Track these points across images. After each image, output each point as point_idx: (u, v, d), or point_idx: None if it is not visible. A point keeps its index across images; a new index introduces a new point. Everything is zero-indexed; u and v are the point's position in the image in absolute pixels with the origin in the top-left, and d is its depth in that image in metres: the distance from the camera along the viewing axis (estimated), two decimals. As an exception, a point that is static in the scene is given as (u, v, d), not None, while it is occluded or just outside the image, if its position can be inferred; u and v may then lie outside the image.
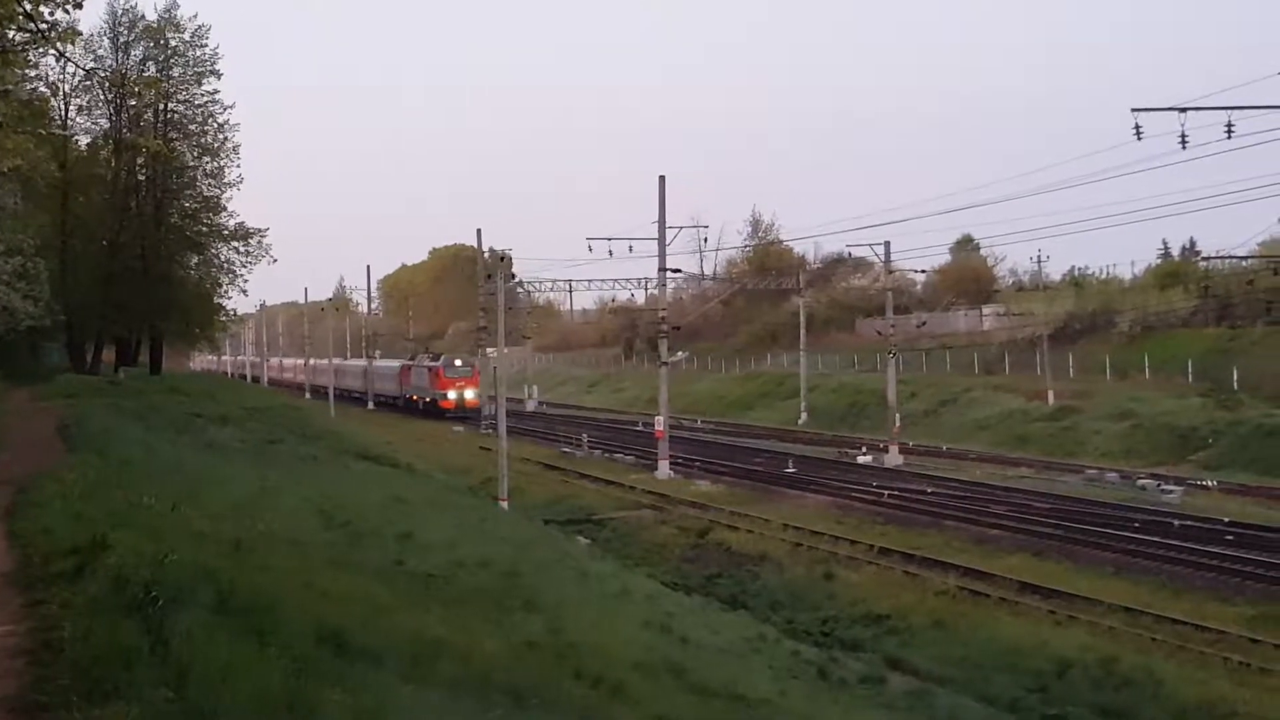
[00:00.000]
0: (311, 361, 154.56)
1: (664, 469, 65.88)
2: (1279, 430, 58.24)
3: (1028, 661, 30.12)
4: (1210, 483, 55.21)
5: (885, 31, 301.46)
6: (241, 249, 74.09)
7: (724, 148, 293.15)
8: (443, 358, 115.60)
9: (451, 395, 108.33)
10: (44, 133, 59.30)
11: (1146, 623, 32.39)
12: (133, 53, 70.74)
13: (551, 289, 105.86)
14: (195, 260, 76.27)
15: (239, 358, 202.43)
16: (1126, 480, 57.25)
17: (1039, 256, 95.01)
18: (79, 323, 69.56)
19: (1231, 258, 47.83)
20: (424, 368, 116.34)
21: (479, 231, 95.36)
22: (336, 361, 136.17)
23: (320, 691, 9.64)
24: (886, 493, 54.36)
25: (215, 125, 72.33)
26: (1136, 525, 44.71)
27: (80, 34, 32.18)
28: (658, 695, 16.12)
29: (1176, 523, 44.49)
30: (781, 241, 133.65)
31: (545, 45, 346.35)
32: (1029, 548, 42.62)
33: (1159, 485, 53.91)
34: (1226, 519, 44.88)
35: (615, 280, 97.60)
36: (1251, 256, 44.09)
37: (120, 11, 70.10)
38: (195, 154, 73.18)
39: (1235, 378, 71.69)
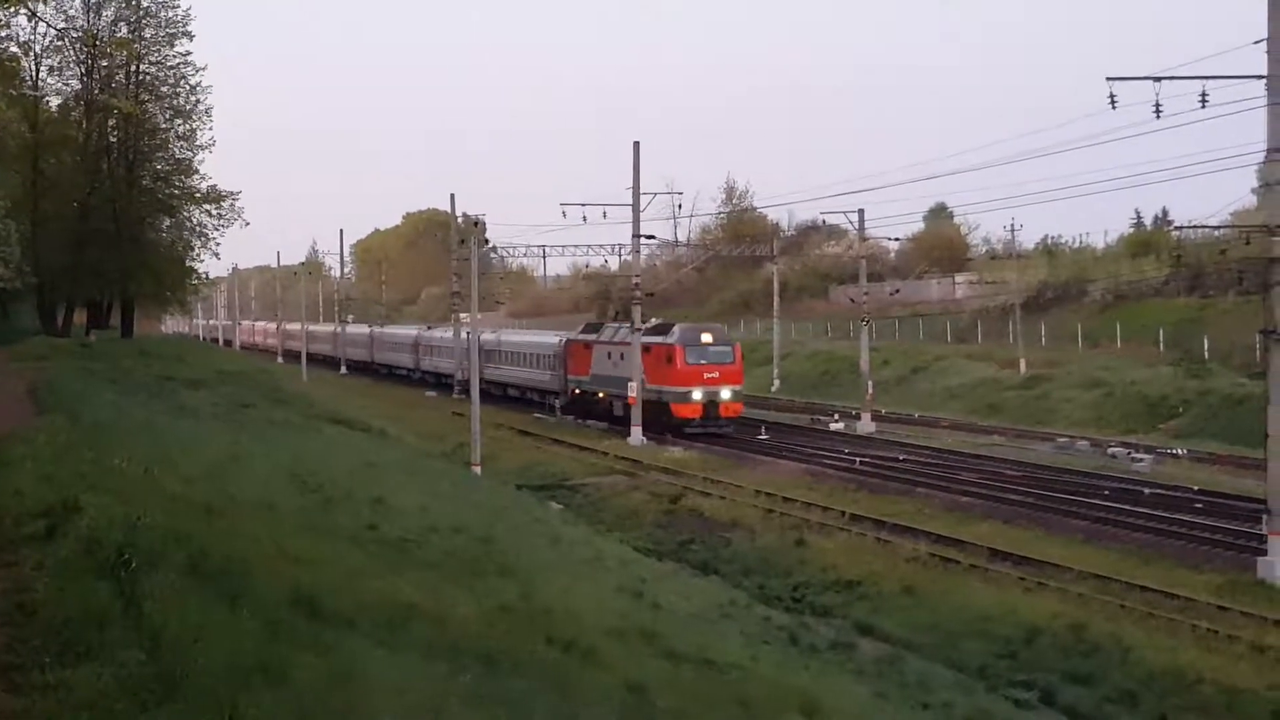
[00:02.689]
0: (311, 327, 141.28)
1: (637, 435, 65.90)
2: (1248, 400, 58.36)
3: (997, 628, 30.28)
4: (1180, 451, 55.47)
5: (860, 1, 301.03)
6: (213, 212, 73.84)
7: (699, 114, 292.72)
8: (678, 329, 70.22)
9: (697, 396, 65.91)
10: (14, 93, 59.02)
11: (1115, 590, 32.55)
12: (104, 13, 70.24)
13: (525, 254, 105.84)
14: (167, 223, 75.96)
15: (211, 321, 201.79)
16: (1097, 448, 57.47)
17: (1012, 225, 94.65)
18: (50, 285, 69.15)
19: (1204, 227, 48.01)
20: (632, 344, 68.27)
21: (452, 196, 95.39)
22: (378, 330, 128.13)
23: (292, 655, 9.66)
24: (859, 460, 54.50)
25: (187, 87, 71.96)
26: (1107, 493, 44.96)
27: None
28: (629, 660, 16.17)
29: (1146, 491, 44.74)
30: (755, 209, 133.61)
31: (520, 7, 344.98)
32: (1000, 515, 42.78)
33: (1129, 454, 54.16)
34: (1195, 487, 45.15)
35: (589, 246, 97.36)
36: (1224, 226, 44.24)
37: (92, -29, 69.61)
38: (167, 116, 72.81)
39: (1206, 347, 71.97)
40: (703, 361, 66.92)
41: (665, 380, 67.20)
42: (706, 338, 68.44)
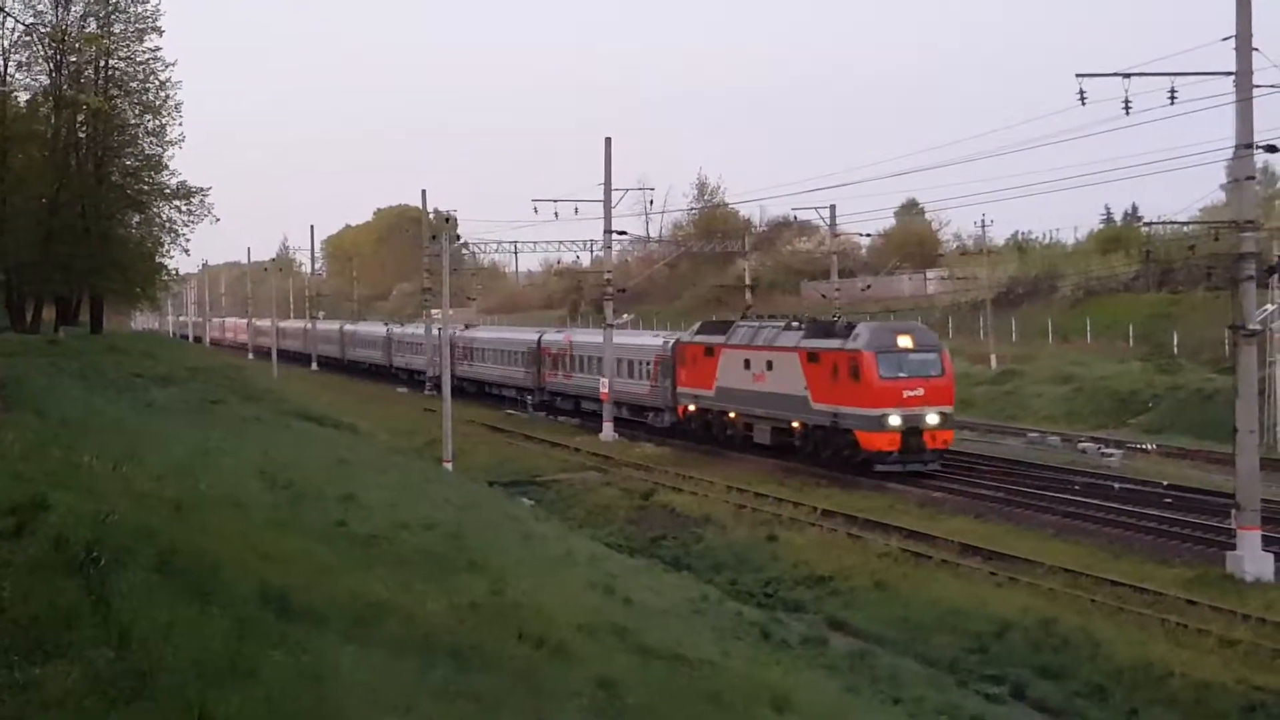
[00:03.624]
0: (282, 323, 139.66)
1: (608, 431, 65.95)
2: (1217, 394, 58.62)
3: (968, 623, 30.37)
4: (1150, 446, 55.72)
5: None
6: (183, 208, 73.36)
7: (671, 111, 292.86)
8: (864, 329, 53.06)
9: (895, 421, 49.40)
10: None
11: (1086, 584, 32.69)
12: (73, 8, 69.69)
13: (497, 250, 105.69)
14: (137, 219, 75.52)
15: (181, 318, 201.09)
16: (1067, 443, 57.67)
17: (983, 221, 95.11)
18: (18, 281, 68.76)
19: (1173, 223, 47.96)
20: (806, 347, 53.69)
21: (424, 192, 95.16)
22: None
23: (262, 652, 9.65)
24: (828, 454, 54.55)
25: (157, 83, 71.46)
26: (1077, 488, 45.15)
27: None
28: (601, 656, 16.17)
29: (1116, 485, 44.95)
30: (727, 205, 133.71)
31: (491, 4, 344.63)
32: (970, 510, 42.91)
33: (1099, 448, 54.36)
34: (1165, 482, 45.38)
35: (561, 242, 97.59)
36: (1193, 222, 44.31)
37: (60, -34, 69.22)
38: (136, 112, 72.34)
39: (1175, 342, 72.35)
40: (901, 374, 49.78)
41: (845, 399, 50.24)
42: (905, 341, 51.07)
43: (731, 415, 59.19)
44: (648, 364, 68.29)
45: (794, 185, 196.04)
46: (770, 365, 55.34)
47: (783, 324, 57.46)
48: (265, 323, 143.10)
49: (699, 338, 63.56)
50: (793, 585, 35.50)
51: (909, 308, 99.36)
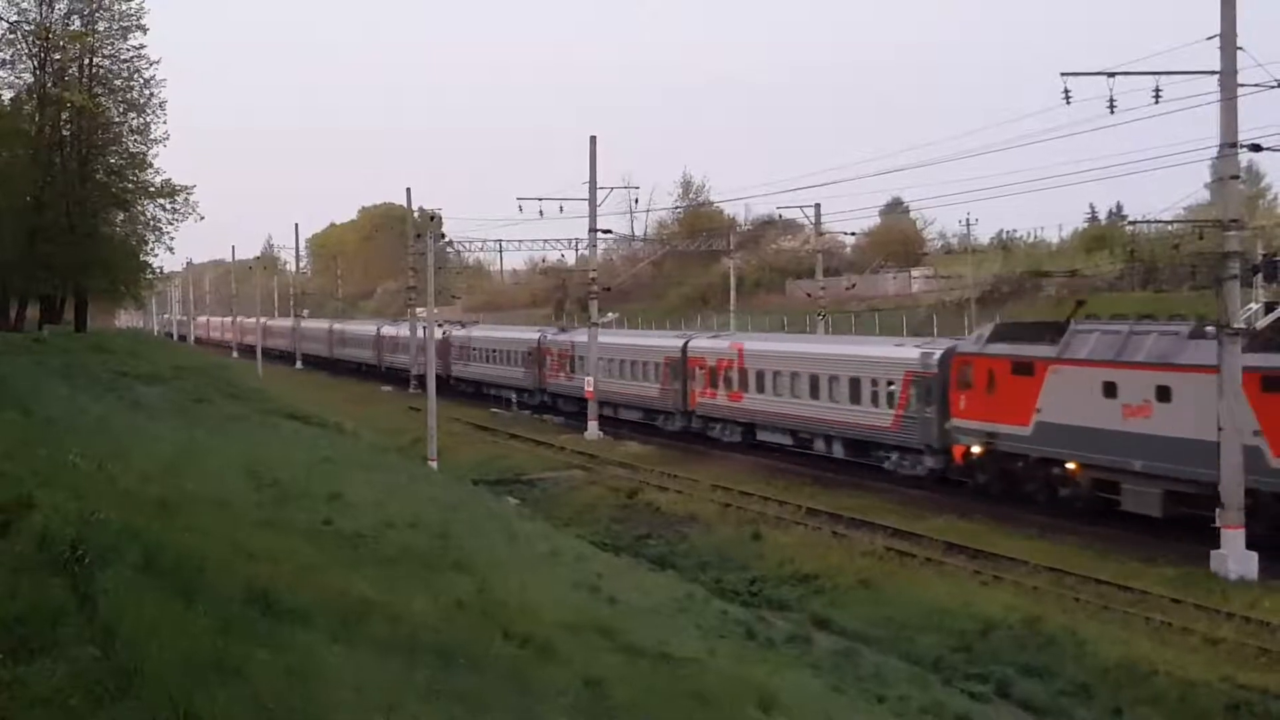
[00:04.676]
0: (268, 321, 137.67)
1: (593, 429, 65.97)
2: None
3: (952, 621, 30.44)
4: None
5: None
6: (168, 206, 73.20)
7: (656, 110, 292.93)
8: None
9: None
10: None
11: (1071, 583, 32.79)
12: (57, 6, 69.49)
13: (482, 249, 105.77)
14: (121, 217, 75.33)
15: (166, 316, 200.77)
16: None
17: (968, 219, 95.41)
18: (2, 280, 68.65)
19: (1157, 222, 48.07)
20: (1258, 369, 34.67)
21: (408, 191, 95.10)
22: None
23: (247, 651, 9.63)
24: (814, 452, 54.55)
25: (141, 81, 71.31)
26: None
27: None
28: (586, 655, 16.16)
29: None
30: (712, 203, 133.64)
31: (476, 3, 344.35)
32: (955, 508, 42.93)
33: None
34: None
35: (546, 241, 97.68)
36: (1177, 221, 44.40)
37: (45, -36, 69.07)
38: (121, 110, 72.19)
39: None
40: None
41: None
42: None
43: (1070, 467, 41.22)
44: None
45: (779, 184, 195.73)
46: (1166, 393, 37.62)
47: (1182, 328, 38.96)
48: (250, 321, 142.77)
49: (999, 348, 44.51)
50: (778, 584, 35.56)
51: (893, 306, 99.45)
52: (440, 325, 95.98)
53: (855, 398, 51.63)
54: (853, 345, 59.40)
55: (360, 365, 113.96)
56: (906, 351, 50.89)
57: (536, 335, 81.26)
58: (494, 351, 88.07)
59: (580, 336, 75.97)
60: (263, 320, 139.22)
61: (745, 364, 59.91)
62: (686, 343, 66.48)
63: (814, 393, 54.22)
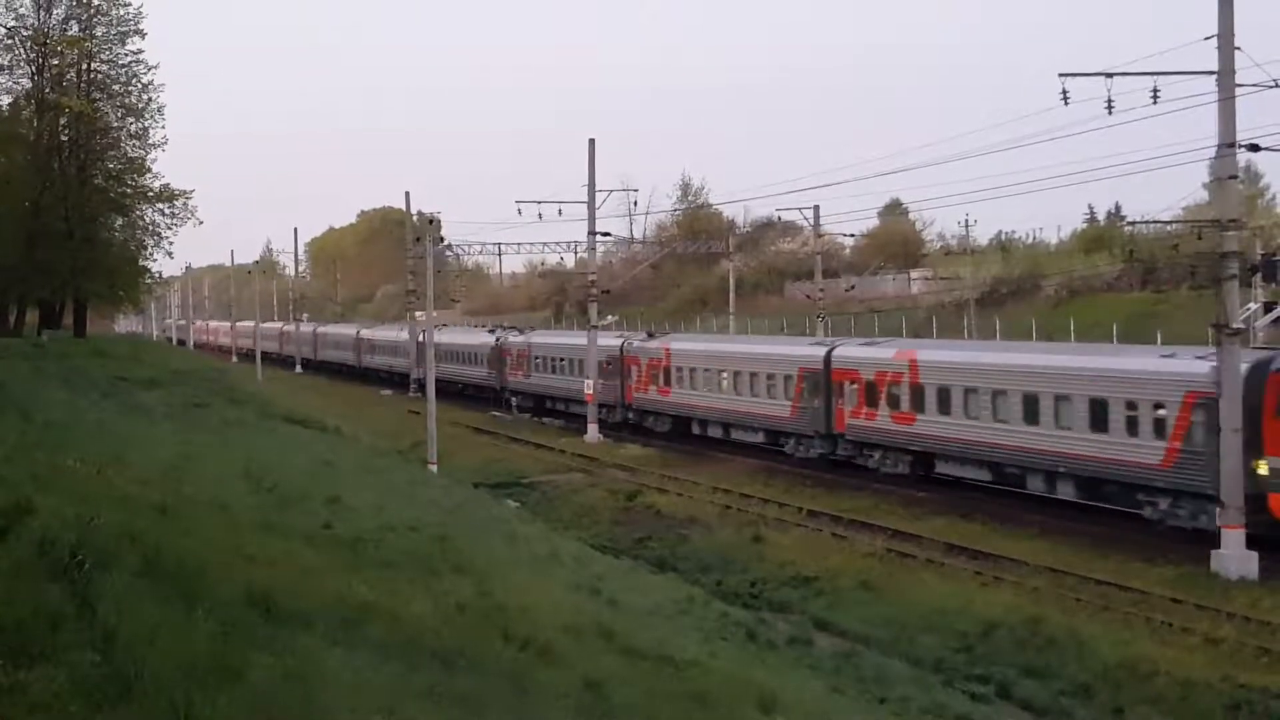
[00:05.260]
0: (268, 325, 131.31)
1: (593, 432, 65.94)
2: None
3: (953, 622, 30.43)
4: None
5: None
6: (166, 211, 73.42)
7: (654, 112, 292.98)
8: None
9: None
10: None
11: (1071, 583, 32.79)
12: (55, 11, 69.73)
13: (480, 252, 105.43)
14: (120, 222, 75.48)
15: (166, 320, 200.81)
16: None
17: (966, 221, 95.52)
18: (1, 285, 68.75)
19: (1156, 223, 48.22)
20: None
21: (407, 194, 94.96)
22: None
23: (248, 654, 9.62)
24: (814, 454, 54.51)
25: (139, 86, 71.52)
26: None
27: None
28: (586, 657, 16.15)
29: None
30: (711, 206, 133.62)
31: (474, 7, 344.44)
32: (956, 509, 42.93)
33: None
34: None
35: (545, 244, 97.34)
36: (1176, 221, 44.50)
37: (42, -31, 69.13)
38: (119, 115, 72.35)
39: (1159, 341, 72.35)
40: None
41: None
42: None
43: None
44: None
45: (778, 186, 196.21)
46: None
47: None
48: (250, 325, 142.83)
49: None
50: (778, 586, 35.53)
51: (893, 308, 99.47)
52: (492, 331, 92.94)
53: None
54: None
55: (392, 375, 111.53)
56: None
57: (618, 341, 70.89)
58: (561, 361, 77.41)
59: (680, 343, 68.19)
60: (262, 325, 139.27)
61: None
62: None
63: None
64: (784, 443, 56.42)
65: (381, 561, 19.18)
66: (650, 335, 72.45)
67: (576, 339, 78.97)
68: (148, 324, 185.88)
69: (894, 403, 49.25)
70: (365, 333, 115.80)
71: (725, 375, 60.71)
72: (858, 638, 29.79)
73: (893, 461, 49.85)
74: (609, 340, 72.44)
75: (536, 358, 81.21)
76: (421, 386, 72.09)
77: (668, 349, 66.72)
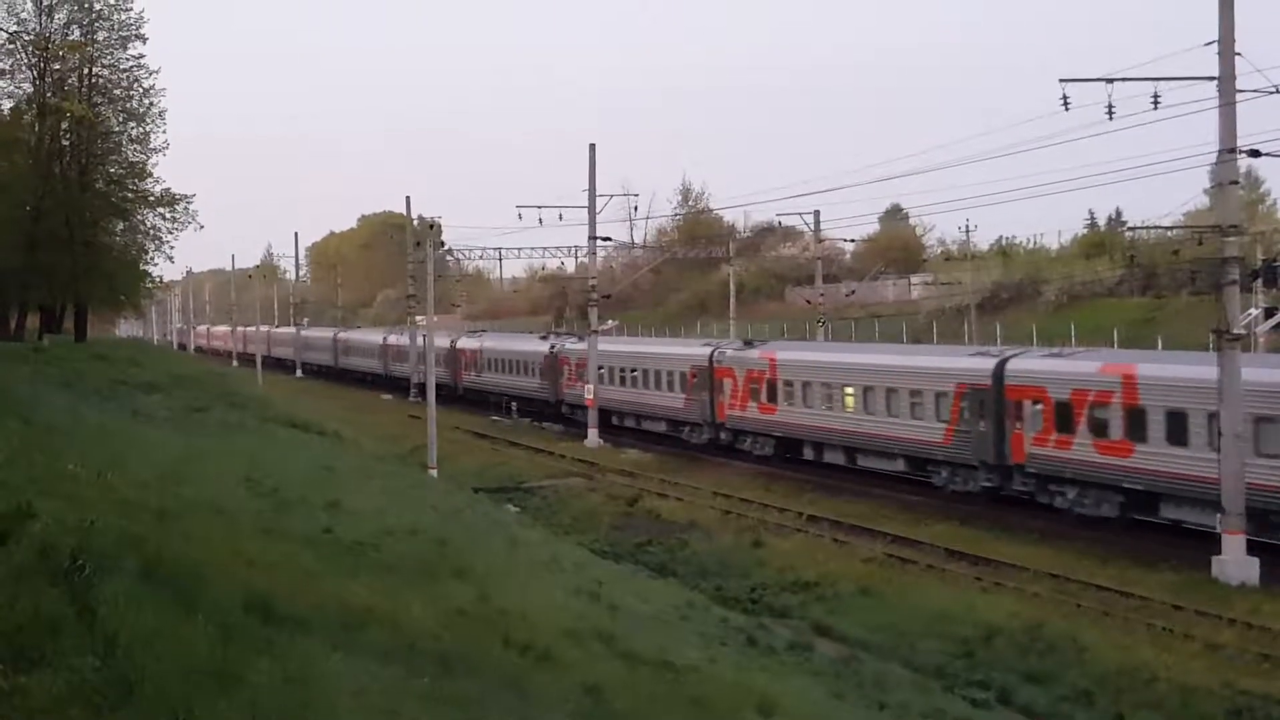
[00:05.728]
0: (393, 339, 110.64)
1: (593, 437, 65.90)
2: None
3: (954, 628, 30.42)
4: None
5: (813, 2, 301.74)
6: (167, 215, 73.26)
7: (655, 117, 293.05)
8: None
9: None
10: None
11: (1072, 589, 32.80)
12: (56, 16, 69.63)
13: (481, 257, 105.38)
14: (121, 226, 75.38)
15: (170, 325, 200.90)
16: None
17: (967, 226, 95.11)
18: (1, 289, 68.71)
19: (1157, 228, 48.44)
20: None
21: (408, 199, 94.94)
22: (394, 338, 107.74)
23: (248, 659, 9.62)
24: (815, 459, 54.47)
25: (140, 90, 71.39)
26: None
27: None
28: (586, 662, 16.16)
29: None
30: (711, 210, 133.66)
31: (475, 10, 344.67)
32: (956, 514, 42.91)
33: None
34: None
35: (545, 248, 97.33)
36: (1176, 227, 44.60)
37: (44, -27, 69.15)
38: (120, 119, 72.26)
39: (1159, 346, 72.39)
40: None
41: None
42: None
43: None
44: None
45: (778, 191, 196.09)
46: None
47: None
48: (250, 329, 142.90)
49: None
50: (778, 591, 35.51)
51: (893, 313, 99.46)
52: (545, 337, 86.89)
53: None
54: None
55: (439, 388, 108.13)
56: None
57: (706, 350, 64.08)
58: (633, 372, 69.89)
59: (789, 352, 60.31)
60: (264, 329, 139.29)
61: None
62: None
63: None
64: (933, 473, 48.33)
65: (381, 566, 19.18)
66: (748, 344, 64.33)
67: (650, 347, 75.43)
68: (148, 328, 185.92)
69: (1099, 429, 40.87)
70: (393, 339, 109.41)
71: (852, 391, 52.56)
72: (858, 643, 29.75)
73: (1094, 502, 41.22)
74: (694, 349, 66.55)
75: (601, 368, 71.20)
76: (422, 391, 72.03)
77: (773, 359, 58.52)
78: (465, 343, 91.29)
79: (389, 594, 16.07)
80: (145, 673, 8.32)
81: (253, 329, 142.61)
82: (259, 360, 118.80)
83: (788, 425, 56.15)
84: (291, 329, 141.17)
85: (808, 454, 55.43)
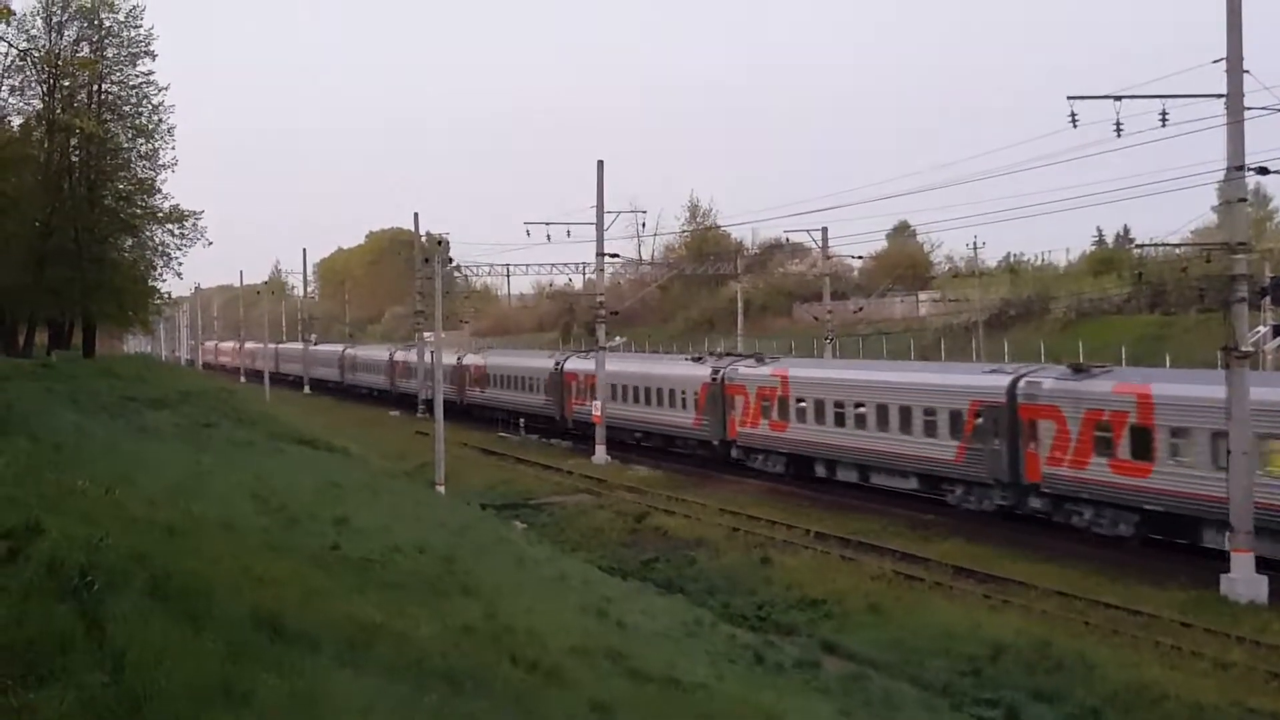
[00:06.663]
0: (400, 355, 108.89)
1: (601, 454, 65.86)
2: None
3: (962, 645, 30.35)
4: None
5: (820, 20, 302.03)
6: (176, 231, 73.38)
7: (662, 134, 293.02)
8: None
9: None
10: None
11: (1080, 607, 32.74)
12: (66, 33, 69.82)
13: (489, 273, 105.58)
14: (129, 243, 75.49)
15: (179, 341, 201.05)
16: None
17: (975, 243, 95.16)
18: (10, 305, 68.82)
19: (1165, 245, 48.46)
20: None
21: (416, 215, 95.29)
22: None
23: (255, 675, 9.62)
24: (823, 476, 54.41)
25: (150, 107, 71.54)
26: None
27: (14, 14, 31.76)
28: (594, 679, 16.14)
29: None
30: (719, 227, 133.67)
31: (482, 28, 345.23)
32: (963, 532, 42.86)
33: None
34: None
35: (553, 265, 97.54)
36: (1185, 244, 44.62)
37: (55, -9, 69.33)
38: (129, 135, 72.39)
39: (1168, 364, 72.32)
40: None
41: None
42: None
43: None
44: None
45: (786, 208, 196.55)
46: None
47: None
48: (258, 346, 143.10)
49: None
50: (786, 608, 35.46)
51: (901, 330, 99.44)
52: (551, 355, 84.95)
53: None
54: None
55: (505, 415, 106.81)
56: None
57: (710, 368, 62.86)
58: (647, 390, 68.54)
59: (802, 370, 59.23)
60: (271, 345, 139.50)
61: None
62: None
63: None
64: (946, 491, 47.88)
65: (389, 583, 19.18)
66: (759, 360, 62.80)
67: (657, 365, 73.72)
68: (157, 344, 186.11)
69: (1112, 448, 39.69)
70: (400, 355, 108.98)
71: (865, 408, 51.69)
72: (865, 660, 29.69)
73: (1110, 521, 40.27)
74: (703, 368, 64.25)
75: (612, 385, 69.84)
76: (429, 407, 72.02)
77: (785, 376, 57.73)
78: (471, 359, 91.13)
79: (397, 611, 16.06)
80: (154, 689, 8.34)
81: (260, 345, 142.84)
82: (266, 376, 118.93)
83: (800, 443, 55.61)
84: (299, 345, 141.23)
85: (819, 471, 54.89)
